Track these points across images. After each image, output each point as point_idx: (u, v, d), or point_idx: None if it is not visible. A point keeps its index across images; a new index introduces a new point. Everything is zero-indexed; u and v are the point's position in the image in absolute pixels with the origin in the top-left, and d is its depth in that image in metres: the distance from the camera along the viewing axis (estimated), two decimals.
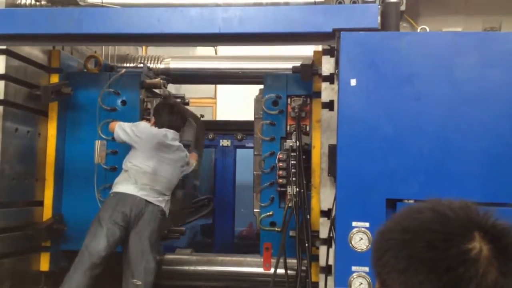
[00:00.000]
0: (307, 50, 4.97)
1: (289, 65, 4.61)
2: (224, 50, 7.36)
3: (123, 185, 4.31)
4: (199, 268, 5.10)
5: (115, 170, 4.59)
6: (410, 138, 2.90)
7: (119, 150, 4.60)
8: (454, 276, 1.00)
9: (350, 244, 2.85)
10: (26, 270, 4.40)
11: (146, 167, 4.33)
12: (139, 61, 5.74)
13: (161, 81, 4.95)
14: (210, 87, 9.03)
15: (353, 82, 2.93)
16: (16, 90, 4.22)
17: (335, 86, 3.31)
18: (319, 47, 4.02)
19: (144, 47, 6.90)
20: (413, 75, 2.92)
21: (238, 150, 7.05)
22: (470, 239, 1.03)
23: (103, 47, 5.36)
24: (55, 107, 4.61)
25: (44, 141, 4.59)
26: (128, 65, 5.71)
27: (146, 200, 4.29)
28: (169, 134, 4.48)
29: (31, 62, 4.39)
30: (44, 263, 4.55)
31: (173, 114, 4.54)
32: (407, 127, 2.91)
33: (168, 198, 4.48)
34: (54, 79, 4.63)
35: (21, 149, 4.29)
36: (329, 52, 3.59)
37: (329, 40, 3.26)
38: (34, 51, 4.43)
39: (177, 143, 4.56)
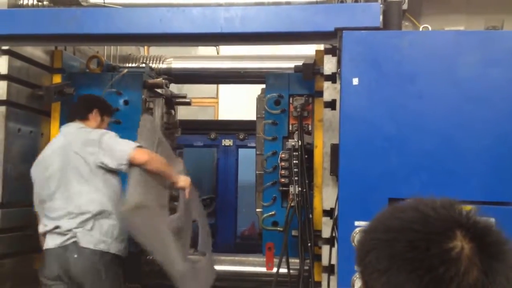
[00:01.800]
0: (309, 50, 4.97)
1: (291, 64, 4.59)
2: (226, 49, 7.36)
3: (46, 238, 3.70)
4: None
5: None
6: (412, 137, 2.90)
7: None
8: (435, 276, 0.98)
9: (353, 244, 2.85)
10: (27, 270, 4.38)
11: (41, 198, 3.75)
12: (141, 61, 5.74)
13: (163, 81, 4.94)
14: (212, 86, 9.03)
15: (355, 81, 2.93)
16: (19, 90, 4.22)
17: (337, 85, 3.30)
18: (321, 46, 4.01)
19: (146, 47, 6.90)
20: (415, 74, 2.92)
21: (240, 150, 7.04)
22: (451, 238, 1.01)
23: (105, 47, 5.36)
24: (58, 107, 4.60)
25: (47, 141, 4.56)
26: (130, 65, 5.70)
27: (60, 248, 3.54)
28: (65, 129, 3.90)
29: (33, 62, 4.39)
30: None
31: (76, 104, 4.08)
32: (410, 126, 2.91)
33: (100, 220, 3.55)
34: (57, 79, 4.62)
35: (24, 149, 4.29)
36: (331, 51, 3.58)
37: (331, 39, 3.26)
38: (36, 52, 4.43)
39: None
